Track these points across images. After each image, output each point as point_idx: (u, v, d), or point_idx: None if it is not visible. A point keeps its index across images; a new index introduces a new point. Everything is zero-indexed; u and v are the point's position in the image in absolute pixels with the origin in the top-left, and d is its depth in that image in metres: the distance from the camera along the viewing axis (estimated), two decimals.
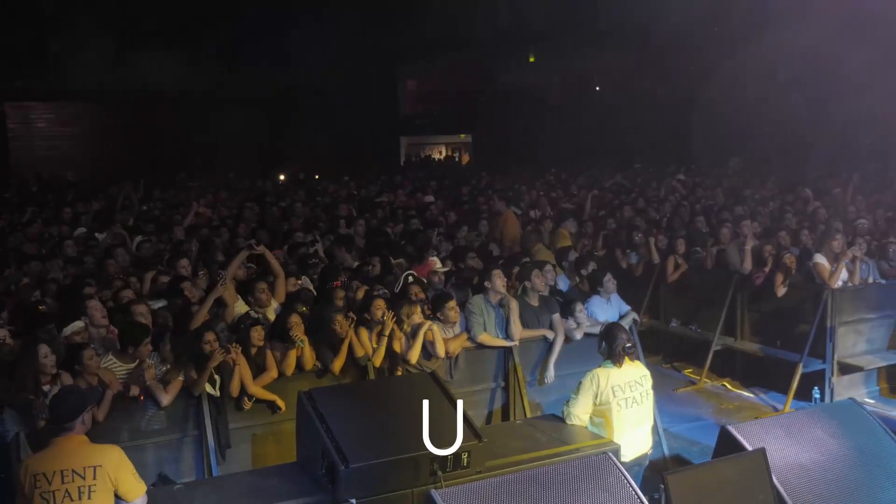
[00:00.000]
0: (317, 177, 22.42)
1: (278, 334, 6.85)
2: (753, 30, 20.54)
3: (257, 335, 6.76)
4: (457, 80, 31.93)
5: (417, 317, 7.14)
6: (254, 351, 6.74)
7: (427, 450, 4.78)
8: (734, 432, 3.63)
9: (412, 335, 7.08)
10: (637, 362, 6.06)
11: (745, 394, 10.01)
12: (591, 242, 11.66)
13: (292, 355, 6.82)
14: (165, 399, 6.31)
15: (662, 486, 3.06)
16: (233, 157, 23.72)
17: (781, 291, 9.73)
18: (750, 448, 3.51)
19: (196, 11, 25.38)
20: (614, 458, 3.19)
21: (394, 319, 7.04)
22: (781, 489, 3.35)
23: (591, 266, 9.18)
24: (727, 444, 3.61)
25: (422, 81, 33.28)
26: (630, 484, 3.04)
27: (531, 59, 30.88)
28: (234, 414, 6.68)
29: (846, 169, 16.43)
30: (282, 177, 22.11)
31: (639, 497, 3.05)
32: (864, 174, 15.83)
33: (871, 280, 9.94)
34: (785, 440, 3.65)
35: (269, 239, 10.60)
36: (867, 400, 9.33)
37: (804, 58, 20.17)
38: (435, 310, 7.45)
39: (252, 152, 25.53)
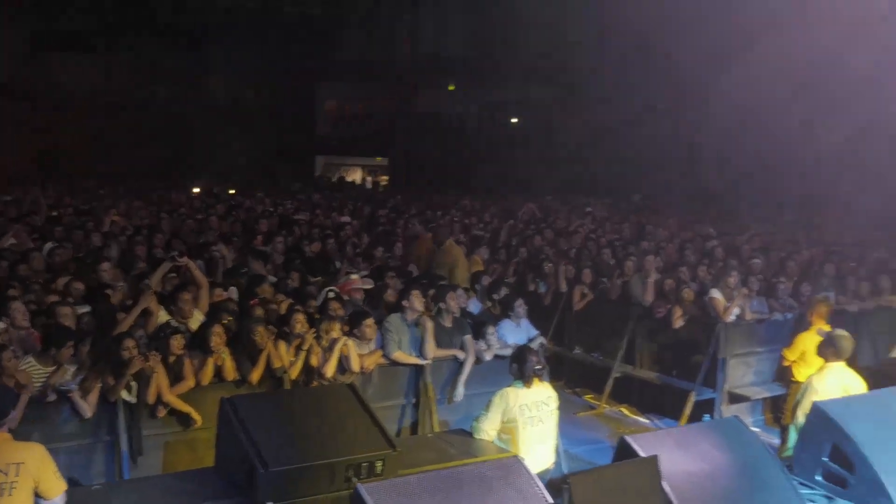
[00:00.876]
0: (231, 191, 22.39)
1: (199, 344, 6.98)
2: (667, 64, 21.48)
3: (177, 344, 6.88)
4: (376, 104, 32.29)
5: (335, 332, 7.39)
6: (172, 359, 6.85)
7: (343, 456, 5.00)
8: (631, 442, 4.00)
9: (329, 349, 7.31)
10: (545, 383, 6.43)
11: (642, 419, 10.50)
12: (503, 269, 12.07)
13: (210, 365, 6.96)
14: (89, 411, 6.36)
15: (566, 486, 3.39)
16: (144, 166, 23.48)
17: (679, 324, 10.31)
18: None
19: (114, 18, 25.11)
20: (523, 462, 3.50)
21: (313, 334, 7.26)
22: (670, 493, 3.73)
23: (504, 291, 9.58)
24: (625, 454, 3.98)
25: (341, 102, 33.52)
26: (538, 484, 3.36)
27: (451, 88, 31.48)
28: (147, 421, 6.77)
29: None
30: (196, 189, 22.00)
31: (545, 497, 3.37)
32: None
33: (761, 316, 10.61)
34: (675, 451, 4.04)
35: (185, 251, 10.65)
36: (752, 429, 9.93)
37: (717, 96, 21.17)
38: (352, 326, 7.69)
39: (164, 163, 25.29)
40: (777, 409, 10.48)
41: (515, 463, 3.45)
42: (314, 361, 7.28)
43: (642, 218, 18.00)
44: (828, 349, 7.27)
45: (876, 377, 9.44)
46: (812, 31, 17.19)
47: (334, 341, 7.33)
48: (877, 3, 15.65)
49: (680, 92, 22.03)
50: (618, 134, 22.53)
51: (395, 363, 7.81)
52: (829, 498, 4.62)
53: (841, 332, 7.55)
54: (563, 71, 26.14)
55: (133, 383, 6.61)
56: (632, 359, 10.84)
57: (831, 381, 6.94)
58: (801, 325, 9.47)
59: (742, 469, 4.16)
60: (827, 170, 18.78)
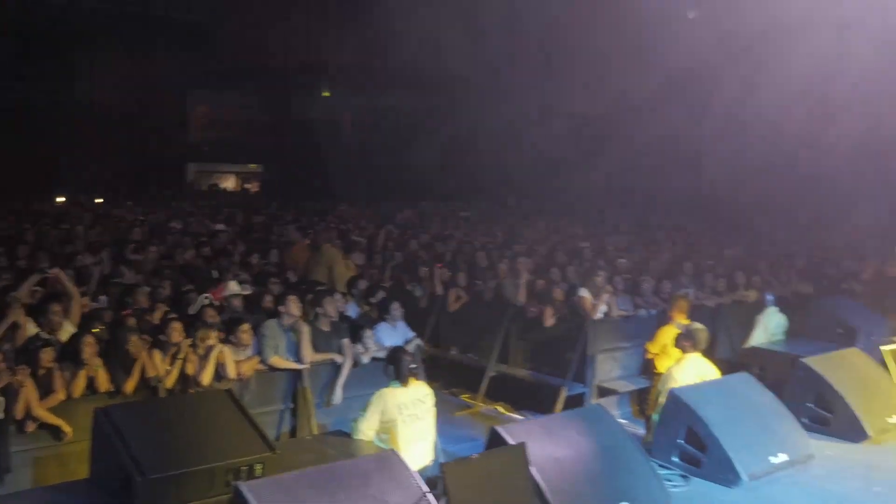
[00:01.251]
0: (98, 200, 21.68)
1: (70, 356, 6.83)
2: (538, 72, 22.06)
3: (47, 357, 6.71)
4: (248, 110, 31.87)
5: (211, 340, 7.36)
6: (42, 372, 6.68)
7: (222, 461, 5.04)
8: (501, 432, 4.23)
9: (205, 357, 7.28)
10: (421, 382, 6.61)
11: (516, 416, 10.80)
12: (379, 273, 12.21)
13: (82, 377, 6.81)
14: None
15: (442, 475, 3.57)
16: (4, 175, 22.46)
17: (550, 322, 10.69)
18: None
19: None
20: (399, 455, 3.66)
21: (189, 342, 7.21)
22: (538, 477, 3.97)
23: (380, 295, 9.72)
24: (496, 443, 4.20)
25: (212, 109, 32.92)
26: (414, 476, 3.53)
27: (325, 94, 31.39)
28: (16, 437, 6.57)
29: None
30: (60, 199, 21.22)
31: (421, 487, 3.54)
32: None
33: (627, 313, 11.13)
34: (543, 438, 4.30)
35: (51, 261, 10.34)
36: (620, 420, 10.41)
37: (585, 100, 21.84)
38: (228, 333, 7.68)
39: (27, 172, 24.23)
40: (643, 402, 11.03)
41: (392, 456, 3.61)
42: (190, 370, 7.23)
43: (515, 221, 18.50)
44: (685, 341, 7.77)
45: (733, 367, 10.10)
46: (703, 29, 17.96)
47: (210, 349, 7.30)
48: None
49: (562, 95, 22.51)
50: (495, 138, 22.98)
51: (272, 368, 7.83)
52: (684, 476, 4.97)
53: (697, 325, 8.09)
54: (438, 77, 26.47)
55: (0, 398, 6.41)
56: (506, 358, 11.14)
57: (689, 371, 7.42)
58: (663, 320, 10.00)
59: (605, 453, 4.45)
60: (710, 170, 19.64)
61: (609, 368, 10.66)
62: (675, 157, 19.85)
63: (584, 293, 10.72)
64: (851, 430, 5.84)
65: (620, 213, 20.32)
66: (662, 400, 7.40)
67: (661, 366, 8.75)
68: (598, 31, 19.32)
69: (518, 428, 4.38)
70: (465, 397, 11.33)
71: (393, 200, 22.12)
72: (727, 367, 10.30)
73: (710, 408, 5.16)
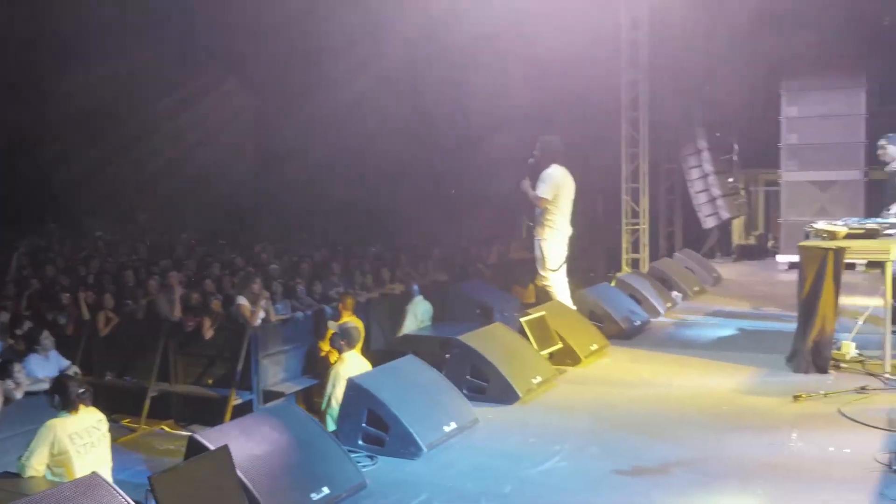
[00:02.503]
0: None
1: None
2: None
3: None
4: None
5: None
6: None
7: None
8: (200, 438, 4.27)
9: None
10: (92, 408, 6.34)
11: (183, 433, 10.61)
12: (16, 303, 11.28)
13: None
14: None
15: (150, 488, 3.56)
16: None
17: (210, 334, 10.66)
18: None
19: None
20: (101, 475, 3.59)
21: None
22: (243, 477, 4.10)
23: (27, 325, 9.05)
24: (195, 450, 4.23)
25: None
26: (119, 492, 3.49)
27: None
28: None
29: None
30: None
31: (129, 501, 3.51)
32: None
33: (285, 316, 11.40)
34: (241, 438, 4.40)
35: None
36: None
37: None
38: None
39: None
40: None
41: (94, 478, 3.53)
42: None
43: (156, 237, 17.93)
44: (341, 340, 8.26)
45: (389, 356, 10.78)
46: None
47: None
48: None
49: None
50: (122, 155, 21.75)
51: None
52: (370, 457, 5.35)
53: (350, 323, 8.62)
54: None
55: None
56: (167, 376, 10.90)
57: (351, 367, 7.98)
58: (333, 316, 10.50)
59: (300, 445, 4.67)
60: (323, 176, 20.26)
61: (274, 372, 10.87)
62: (312, 164, 20.36)
63: (242, 301, 10.81)
64: (505, 394, 6.59)
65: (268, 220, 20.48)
66: (335, 400, 7.84)
67: (332, 360, 9.17)
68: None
69: (215, 433, 4.44)
70: (126, 422, 10.87)
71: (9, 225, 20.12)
72: (383, 356, 11.04)
73: (386, 390, 5.58)
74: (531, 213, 9.26)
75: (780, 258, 14.44)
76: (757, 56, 13.88)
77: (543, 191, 8.85)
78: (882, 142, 9.72)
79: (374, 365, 10.08)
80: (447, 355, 9.22)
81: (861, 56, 13.89)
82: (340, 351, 8.26)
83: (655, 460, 5.36)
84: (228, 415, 10.16)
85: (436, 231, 18.58)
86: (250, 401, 10.44)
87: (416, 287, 12.07)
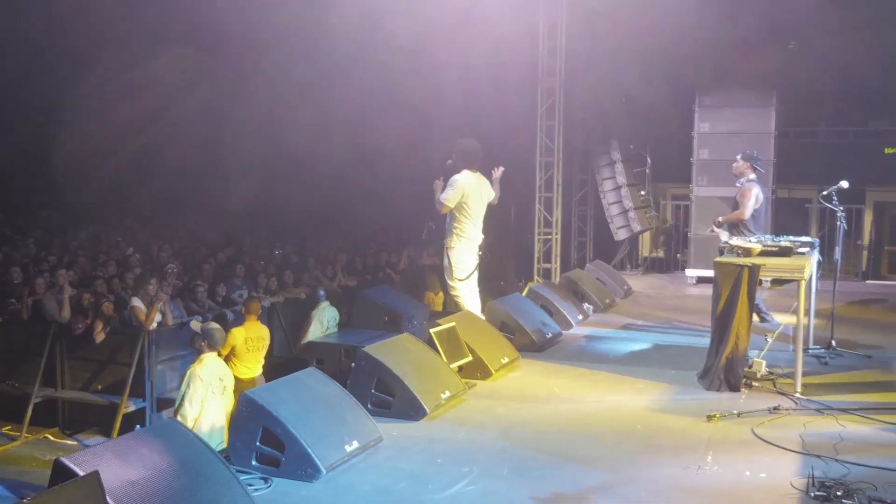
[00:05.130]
0: None
1: None
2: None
3: None
4: None
5: None
6: None
7: None
8: (68, 463, 3.80)
9: None
10: None
11: (69, 442, 9.96)
12: None
13: None
14: None
15: None
16: None
17: (101, 337, 10.01)
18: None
19: None
20: None
21: None
22: None
23: None
24: (62, 476, 3.76)
25: None
26: None
27: None
28: None
29: None
30: None
31: None
32: None
33: (181, 319, 10.81)
34: (115, 463, 3.94)
35: None
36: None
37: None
38: None
39: None
40: None
41: None
42: None
43: (49, 233, 16.96)
44: (202, 341, 7.89)
45: (291, 363, 10.35)
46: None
47: None
48: None
49: None
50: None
51: None
52: (264, 479, 4.94)
53: (213, 324, 8.18)
54: None
55: None
56: (53, 381, 10.21)
57: (209, 370, 7.73)
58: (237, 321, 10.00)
59: (184, 467, 4.23)
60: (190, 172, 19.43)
61: (168, 379, 10.28)
62: (211, 163, 19.60)
63: (137, 303, 10.20)
64: (411, 410, 6.27)
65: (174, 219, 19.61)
66: (188, 400, 7.47)
67: (234, 368, 8.70)
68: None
69: (86, 456, 3.95)
70: (6, 430, 10.14)
71: None
72: (285, 363, 10.60)
73: (284, 406, 5.17)
74: (439, 218, 8.98)
75: (690, 272, 14.53)
76: (672, 72, 13.93)
77: (447, 196, 8.60)
78: (738, 156, 9.91)
79: (276, 373, 9.74)
80: (353, 364, 8.91)
81: (772, 77, 14.11)
82: (200, 352, 7.88)
83: (569, 484, 5.09)
84: (118, 423, 9.56)
85: (344, 235, 18.15)
86: (143, 408, 9.85)
87: (322, 292, 11.63)
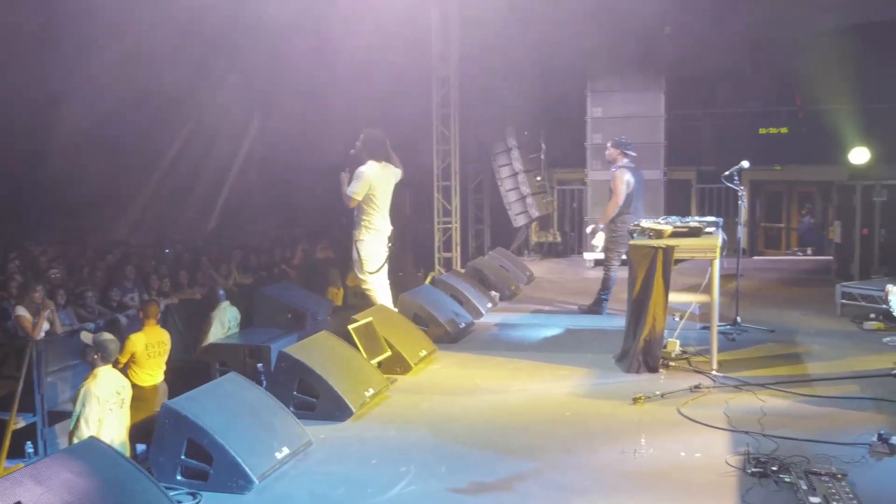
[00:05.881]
0: None
1: None
2: None
3: None
4: None
5: None
6: None
7: None
8: None
9: None
10: None
11: None
12: None
13: None
14: None
15: None
16: None
17: None
18: None
19: None
20: None
21: None
22: None
23: None
24: None
25: None
26: None
27: None
28: None
29: None
30: None
31: None
32: None
33: (71, 327, 10.21)
34: (37, 490, 3.59)
35: None
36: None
37: None
38: None
39: None
40: None
41: None
42: None
43: None
44: (94, 354, 7.39)
45: (192, 367, 9.92)
46: None
47: None
48: None
49: None
50: None
51: None
52: (192, 494, 4.64)
53: (106, 336, 7.67)
54: None
55: None
56: None
57: (105, 386, 7.25)
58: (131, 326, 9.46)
59: (111, 489, 3.90)
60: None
61: (60, 390, 9.66)
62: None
63: (22, 312, 9.56)
64: (337, 410, 6.04)
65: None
66: (83, 420, 7.00)
67: (135, 376, 8.24)
68: None
69: (3, 484, 3.59)
70: None
71: None
72: (185, 367, 10.12)
73: (209, 416, 4.86)
74: (348, 211, 8.75)
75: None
76: (565, 57, 14.01)
77: (353, 190, 8.41)
78: (609, 143, 10.18)
79: (177, 378, 9.29)
80: (259, 364, 8.57)
81: (659, 61, 14.40)
82: (93, 366, 7.37)
83: (510, 477, 4.98)
84: (7, 440, 8.91)
85: (238, 232, 17.60)
86: (34, 423, 9.22)
87: (221, 292, 11.15)
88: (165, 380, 9.09)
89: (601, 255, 12.57)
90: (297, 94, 16.29)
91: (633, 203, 9.97)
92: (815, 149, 17.07)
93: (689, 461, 5.18)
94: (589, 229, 10.49)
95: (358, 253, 8.62)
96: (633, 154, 10.17)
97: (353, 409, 6.08)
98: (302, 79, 15.88)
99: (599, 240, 10.02)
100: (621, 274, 9.24)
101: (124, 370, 8.24)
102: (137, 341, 8.55)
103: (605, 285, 10.05)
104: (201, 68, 16.07)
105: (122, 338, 9.28)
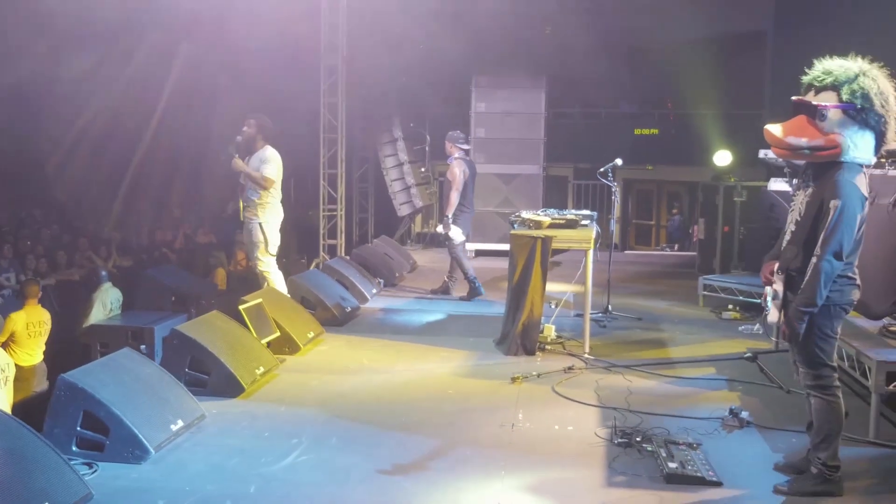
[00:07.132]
0: None
1: None
2: None
3: None
4: None
5: None
6: None
7: None
8: None
9: None
10: None
11: None
12: None
13: None
14: None
15: None
16: None
17: None
18: None
19: None
20: None
21: None
22: None
23: None
24: None
25: None
26: None
27: None
28: None
29: None
30: None
31: None
32: None
33: None
34: None
35: None
36: None
37: None
38: None
39: None
40: None
41: None
42: None
43: None
44: None
45: (74, 348, 9.77)
46: None
47: None
48: None
49: None
50: None
51: None
52: (89, 465, 4.75)
53: None
54: None
55: None
56: None
57: None
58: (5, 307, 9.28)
59: (11, 457, 3.98)
60: None
61: None
62: None
63: None
64: (228, 387, 6.20)
65: None
66: None
67: (14, 355, 8.14)
68: None
69: None
70: None
71: None
72: (67, 347, 9.98)
73: (105, 388, 4.96)
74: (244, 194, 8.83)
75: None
76: (451, 52, 14.37)
77: (271, 172, 8.57)
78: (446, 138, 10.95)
79: (57, 358, 9.18)
80: (142, 346, 8.60)
81: (539, 60, 14.97)
82: None
83: (398, 449, 5.30)
84: None
85: (117, 214, 17.22)
86: None
87: (104, 273, 11.06)
88: (45, 360, 9.00)
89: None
90: (179, 80, 16.06)
91: (469, 193, 10.63)
92: (683, 151, 18.12)
93: (562, 433, 5.62)
94: (439, 228, 11.05)
95: (263, 234, 8.70)
96: (467, 147, 11.14)
97: (245, 386, 6.26)
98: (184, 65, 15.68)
99: (455, 232, 10.48)
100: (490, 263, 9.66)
101: (3, 349, 8.12)
102: (17, 320, 8.45)
103: (463, 267, 10.54)
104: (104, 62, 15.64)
105: None
